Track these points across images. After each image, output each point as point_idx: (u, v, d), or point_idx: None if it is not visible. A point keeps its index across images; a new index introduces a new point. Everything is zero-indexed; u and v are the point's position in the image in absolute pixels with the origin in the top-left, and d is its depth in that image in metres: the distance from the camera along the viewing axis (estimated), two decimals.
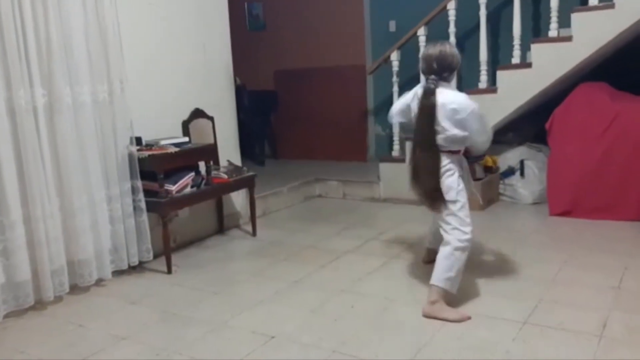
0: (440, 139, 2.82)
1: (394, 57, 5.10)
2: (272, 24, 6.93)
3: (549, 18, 4.45)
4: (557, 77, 4.39)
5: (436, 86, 2.81)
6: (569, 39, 4.31)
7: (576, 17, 4.29)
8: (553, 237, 3.91)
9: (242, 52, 6.09)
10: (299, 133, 6.85)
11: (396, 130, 5.27)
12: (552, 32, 4.44)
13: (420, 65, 2.93)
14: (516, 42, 4.58)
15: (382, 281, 3.32)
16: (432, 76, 2.83)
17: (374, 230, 4.35)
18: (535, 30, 5.17)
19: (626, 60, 4.70)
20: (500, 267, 3.44)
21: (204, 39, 4.26)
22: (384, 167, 5.28)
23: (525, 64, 4.56)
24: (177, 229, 4.01)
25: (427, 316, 2.79)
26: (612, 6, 4.13)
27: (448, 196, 2.83)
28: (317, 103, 6.68)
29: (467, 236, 2.84)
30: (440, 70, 2.83)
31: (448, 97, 2.80)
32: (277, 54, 6.88)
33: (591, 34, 4.21)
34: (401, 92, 5.20)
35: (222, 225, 4.48)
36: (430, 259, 3.41)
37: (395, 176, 5.15)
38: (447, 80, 2.87)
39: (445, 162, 2.85)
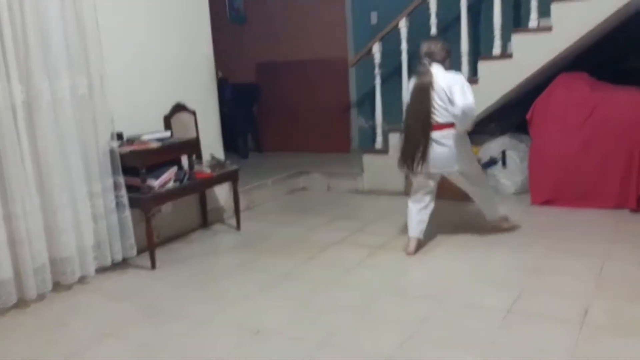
0: (440, 115, 3.33)
1: (376, 49, 5.09)
2: (253, 16, 6.88)
3: (530, 8, 4.48)
4: (538, 68, 4.42)
5: (429, 65, 3.35)
6: (549, 29, 4.34)
7: (556, 7, 4.32)
8: (535, 226, 3.95)
9: (224, 45, 6.04)
10: (283, 126, 6.83)
11: (379, 122, 5.28)
12: (532, 23, 4.47)
13: (420, 53, 3.45)
14: (497, 32, 4.60)
15: (369, 272, 3.33)
16: (426, 59, 3.39)
17: (359, 222, 4.36)
18: (516, 21, 5.20)
19: (605, 50, 4.76)
20: (484, 257, 3.47)
21: (185, 33, 4.22)
22: (367, 159, 5.29)
23: (506, 54, 4.59)
24: (161, 225, 3.98)
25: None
26: None
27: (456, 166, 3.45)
28: (300, 95, 6.67)
29: None
30: (433, 55, 3.40)
31: (445, 77, 3.33)
32: (259, 47, 6.84)
33: (571, 25, 4.24)
34: (384, 84, 5.24)
35: (205, 219, 4.45)
36: (417, 249, 3.50)
37: (379, 168, 5.17)
38: (441, 63, 3.40)
39: (450, 140, 3.36)
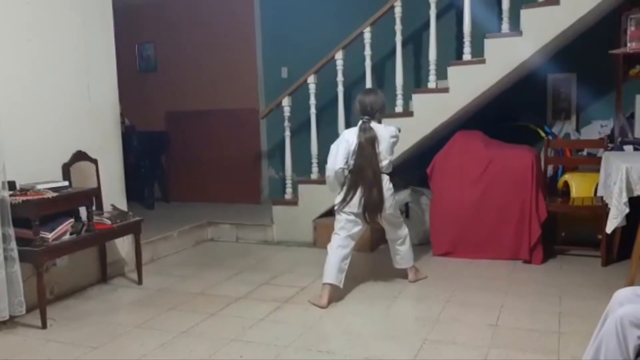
0: (382, 164, 3.67)
1: (285, 102, 5.20)
2: (164, 65, 6.83)
3: (429, 70, 4.76)
4: (436, 126, 4.68)
5: (369, 123, 3.67)
6: (446, 90, 4.63)
7: (452, 70, 4.63)
8: (436, 276, 4.08)
9: (133, 93, 5.95)
10: (192, 175, 6.73)
11: (289, 173, 5.33)
12: (431, 84, 4.75)
13: (357, 107, 3.76)
14: (399, 91, 4.84)
15: (274, 328, 3.28)
16: (365, 117, 3.70)
17: (266, 274, 4.31)
18: (417, 81, 5.51)
19: (496, 110, 5.12)
20: (389, 309, 3.53)
21: (89, 80, 4.11)
22: (277, 210, 5.31)
23: (407, 112, 4.83)
24: (55, 279, 3.75)
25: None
26: (483, 61, 4.50)
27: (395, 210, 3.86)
28: (211, 145, 6.63)
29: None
30: (372, 112, 3.72)
31: (384, 130, 3.71)
32: (169, 96, 6.78)
33: (465, 86, 4.54)
34: (294, 136, 5.33)
35: (105, 273, 4.24)
36: (330, 299, 3.61)
37: (289, 219, 5.20)
38: (378, 119, 3.75)
39: (389, 184, 3.73)
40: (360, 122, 3.74)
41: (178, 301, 3.78)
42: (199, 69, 6.61)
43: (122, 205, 4.36)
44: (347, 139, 3.73)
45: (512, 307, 3.44)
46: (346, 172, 3.69)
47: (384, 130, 3.73)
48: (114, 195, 4.30)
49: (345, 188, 3.71)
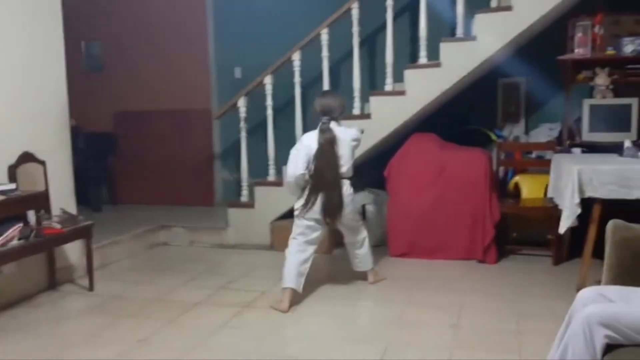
0: (343, 168, 3.64)
1: (241, 103, 5.12)
2: (111, 64, 6.59)
3: (385, 73, 4.80)
4: (394, 128, 4.72)
5: (329, 124, 3.63)
6: (402, 92, 4.68)
7: (408, 74, 4.68)
8: (395, 278, 4.11)
9: (79, 92, 5.70)
10: (142, 177, 6.53)
11: (245, 175, 5.25)
12: (388, 86, 4.79)
13: (316, 109, 3.73)
14: (356, 94, 4.85)
15: (236, 334, 3.21)
16: (325, 117, 3.66)
17: (223, 278, 4.23)
18: (373, 83, 5.54)
19: (450, 113, 5.22)
20: (350, 311, 3.53)
21: (36, 79, 3.91)
22: (233, 213, 5.22)
23: (364, 114, 4.84)
24: (2, 287, 3.54)
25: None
26: (438, 65, 4.57)
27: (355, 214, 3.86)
28: (161, 146, 6.45)
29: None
30: (332, 113, 3.68)
31: (344, 132, 3.68)
32: (117, 95, 6.54)
33: (421, 89, 4.61)
34: (249, 137, 5.25)
35: (53, 280, 4.05)
36: (291, 303, 3.57)
37: (245, 221, 5.12)
38: (337, 121, 3.71)
39: (350, 189, 3.70)
40: (320, 124, 3.70)
41: (133, 308, 3.65)
42: (149, 68, 6.42)
43: (72, 208, 4.18)
44: (307, 144, 3.68)
45: (471, 307, 3.50)
46: (307, 176, 3.65)
47: (344, 133, 3.71)
48: (63, 198, 4.11)
49: (306, 193, 3.65)
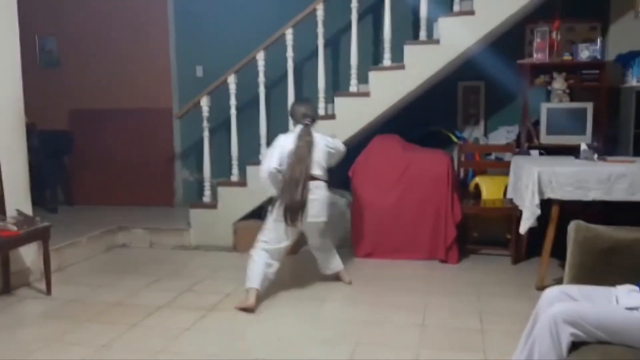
0: (317, 171, 3.70)
1: (204, 102, 5.05)
2: (67, 60, 6.39)
3: (349, 74, 4.82)
4: (358, 129, 4.75)
5: (311, 127, 3.77)
6: (367, 94, 4.71)
7: (373, 75, 4.72)
8: (360, 278, 4.13)
9: (33, 89, 5.50)
10: (99, 177, 6.36)
11: (207, 175, 5.18)
12: (352, 88, 4.81)
13: (297, 113, 3.83)
14: (321, 94, 4.86)
15: (201, 337, 3.16)
16: (308, 119, 3.78)
17: (186, 280, 4.16)
18: (336, 84, 5.54)
19: (411, 115, 5.28)
20: (317, 311, 3.53)
21: None
22: (195, 213, 5.14)
23: (329, 115, 4.85)
24: None
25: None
26: (402, 67, 4.62)
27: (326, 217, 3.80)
28: (120, 145, 6.30)
29: None
30: (313, 117, 3.83)
31: (320, 137, 3.79)
32: (74, 93, 6.35)
33: (386, 91, 4.65)
34: (212, 136, 5.18)
35: (8, 284, 3.90)
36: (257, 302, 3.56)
37: (207, 222, 5.05)
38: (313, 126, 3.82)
39: (326, 192, 3.76)
40: (302, 126, 3.78)
41: (93, 312, 3.55)
42: (107, 65, 6.26)
43: (27, 209, 4.03)
44: (282, 144, 3.74)
45: (435, 307, 3.55)
46: (280, 176, 3.65)
47: (320, 139, 3.80)
48: (18, 199, 3.97)
49: (279, 192, 3.67)
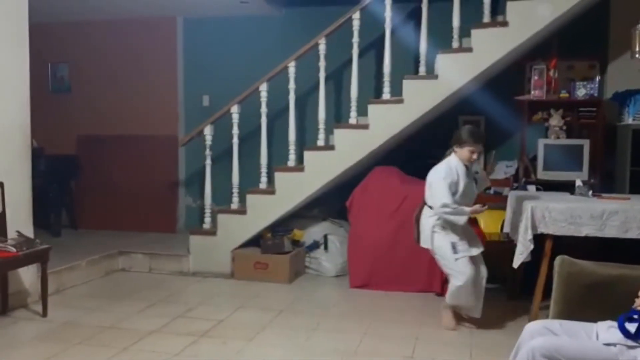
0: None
1: (207, 131, 5.15)
2: (78, 87, 6.57)
3: (350, 106, 4.91)
4: (357, 160, 4.81)
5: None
6: (366, 126, 4.79)
7: (372, 108, 4.80)
8: (353, 309, 4.14)
9: (43, 114, 5.68)
10: (104, 202, 6.46)
11: (208, 202, 5.25)
12: (352, 120, 4.90)
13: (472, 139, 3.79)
14: (321, 126, 4.94)
15: None
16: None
17: (181, 306, 4.19)
18: (338, 116, 5.65)
19: (411, 148, 5.34)
20: (307, 341, 3.53)
21: None
22: (195, 240, 5.19)
23: (329, 146, 4.93)
24: None
25: None
26: (401, 101, 4.70)
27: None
28: (125, 171, 6.41)
29: None
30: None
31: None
32: (83, 119, 6.51)
33: (384, 124, 4.72)
34: (214, 164, 5.27)
35: (5, 305, 3.95)
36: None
37: (206, 249, 5.10)
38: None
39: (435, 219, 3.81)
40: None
41: (86, 335, 3.58)
42: (116, 92, 6.42)
43: (29, 231, 4.11)
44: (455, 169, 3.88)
45: (426, 340, 3.55)
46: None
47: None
48: (19, 220, 4.05)
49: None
